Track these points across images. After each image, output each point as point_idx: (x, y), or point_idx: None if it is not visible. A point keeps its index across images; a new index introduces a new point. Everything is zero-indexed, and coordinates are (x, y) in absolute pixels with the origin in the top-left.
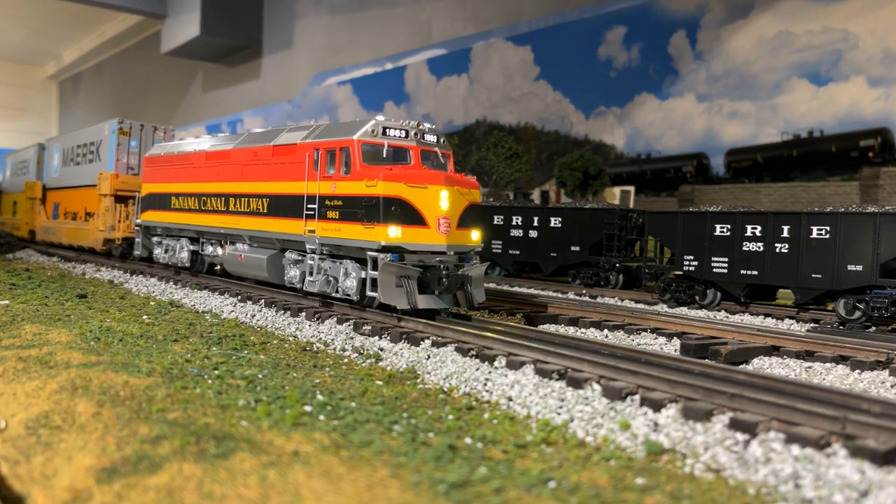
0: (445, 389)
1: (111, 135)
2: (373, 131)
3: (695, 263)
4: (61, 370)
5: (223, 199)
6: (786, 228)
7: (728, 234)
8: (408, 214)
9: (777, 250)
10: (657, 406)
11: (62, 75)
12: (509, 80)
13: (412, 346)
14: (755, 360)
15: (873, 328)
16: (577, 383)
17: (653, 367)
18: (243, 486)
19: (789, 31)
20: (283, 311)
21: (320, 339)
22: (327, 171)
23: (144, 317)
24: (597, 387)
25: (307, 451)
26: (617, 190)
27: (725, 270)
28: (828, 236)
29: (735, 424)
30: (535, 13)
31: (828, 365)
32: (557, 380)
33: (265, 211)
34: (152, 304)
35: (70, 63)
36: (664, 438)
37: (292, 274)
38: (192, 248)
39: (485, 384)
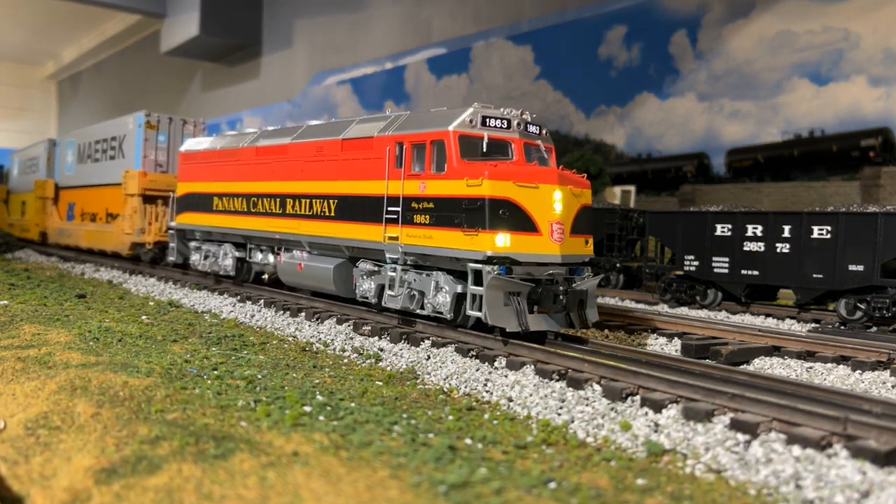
0: (445, 390)
1: (137, 129)
2: (471, 121)
3: (695, 263)
4: (60, 370)
5: (278, 200)
6: (787, 228)
7: (729, 233)
8: (517, 219)
9: (778, 250)
10: (658, 407)
11: (61, 75)
12: (509, 80)
13: (412, 347)
14: (756, 361)
15: (874, 328)
16: (577, 384)
17: (653, 368)
18: (242, 487)
19: (790, 31)
20: (282, 311)
21: (320, 339)
22: (413, 169)
23: (143, 317)
24: (597, 387)
25: (307, 451)
26: (617, 189)
27: (726, 270)
28: (829, 236)
29: (736, 425)
30: (535, 12)
31: (829, 365)
32: (558, 380)
33: (332, 214)
34: (151, 304)
35: (69, 63)
36: (665, 439)
37: (366, 287)
38: (237, 254)
39: (485, 384)
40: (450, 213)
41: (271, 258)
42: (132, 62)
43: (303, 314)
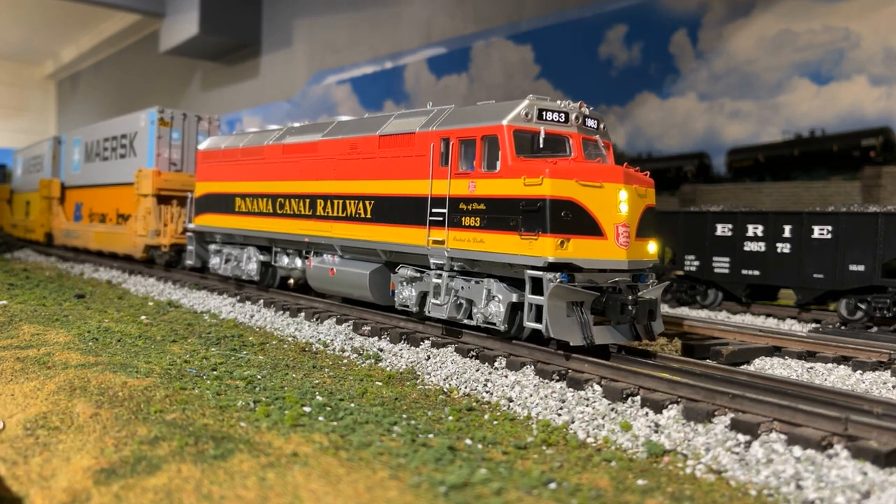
0: (445, 390)
1: (149, 126)
2: (526, 114)
3: (696, 263)
4: (59, 371)
5: (307, 200)
6: (787, 228)
7: (729, 233)
8: (580, 221)
9: (779, 250)
10: (658, 407)
11: (60, 74)
12: (510, 79)
13: (412, 347)
14: (756, 361)
15: (875, 328)
16: (577, 384)
17: (654, 368)
18: (242, 488)
19: (791, 30)
20: (281, 311)
21: (319, 339)
22: (461, 167)
23: (143, 317)
24: (598, 388)
25: (306, 452)
26: None
27: (727, 270)
28: (829, 236)
29: (736, 425)
30: (535, 12)
31: (829, 365)
32: (558, 380)
33: (368, 216)
34: (150, 304)
35: (68, 62)
36: (665, 440)
37: (406, 294)
38: (262, 258)
39: (485, 385)
40: (504, 214)
41: (298, 262)
42: (131, 62)
43: (302, 314)
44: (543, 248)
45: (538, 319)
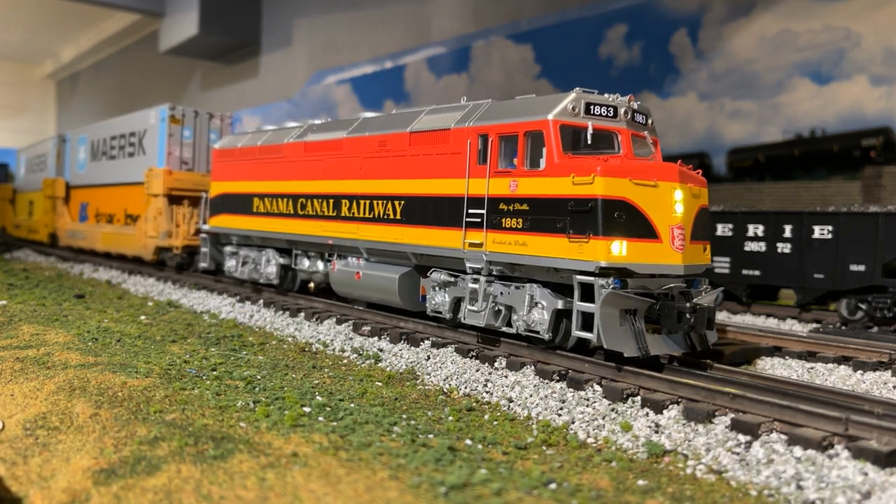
0: (445, 390)
1: (160, 123)
2: (573, 108)
3: None
4: (59, 371)
5: (331, 201)
6: (788, 228)
7: (730, 233)
8: (634, 223)
9: (779, 250)
10: (659, 407)
11: (60, 74)
12: (510, 79)
13: (412, 347)
14: (757, 361)
15: (875, 328)
16: (578, 384)
17: (654, 368)
18: (242, 488)
19: (791, 30)
20: (281, 312)
21: (319, 339)
22: (501, 165)
23: (142, 317)
24: (598, 388)
25: (306, 452)
26: None
27: (727, 271)
28: (830, 236)
29: (737, 426)
30: (535, 11)
31: (830, 366)
32: (558, 381)
33: (398, 217)
34: (150, 304)
35: (68, 62)
36: (666, 440)
37: (439, 300)
38: (281, 261)
39: (485, 385)
40: (550, 216)
41: (321, 265)
42: (131, 61)
43: (302, 314)
44: (595, 251)
45: (586, 328)
